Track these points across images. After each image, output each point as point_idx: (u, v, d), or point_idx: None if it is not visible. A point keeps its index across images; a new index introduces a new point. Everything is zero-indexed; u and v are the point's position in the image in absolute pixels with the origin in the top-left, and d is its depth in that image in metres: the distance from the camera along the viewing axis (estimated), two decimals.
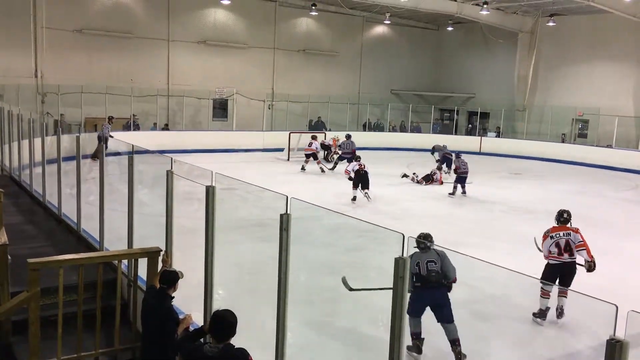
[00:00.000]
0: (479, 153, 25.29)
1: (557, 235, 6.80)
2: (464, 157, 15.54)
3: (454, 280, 5.68)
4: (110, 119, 18.67)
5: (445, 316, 5.49)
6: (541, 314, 6.49)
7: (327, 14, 27.15)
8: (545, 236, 6.91)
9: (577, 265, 6.72)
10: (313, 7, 25.23)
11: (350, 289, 5.80)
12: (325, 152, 20.80)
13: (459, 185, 14.85)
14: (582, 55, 25.22)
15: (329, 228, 10.53)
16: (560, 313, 6.39)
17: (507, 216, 13.12)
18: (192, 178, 5.44)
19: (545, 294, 6.49)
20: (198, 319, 4.76)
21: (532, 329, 6.30)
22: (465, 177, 15.02)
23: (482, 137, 26.64)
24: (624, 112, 23.43)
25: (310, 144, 18.89)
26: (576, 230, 6.88)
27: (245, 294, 6.91)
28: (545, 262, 6.80)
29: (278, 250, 3.71)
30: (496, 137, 26.91)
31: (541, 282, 6.64)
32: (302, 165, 18.41)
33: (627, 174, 20.67)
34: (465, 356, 5.43)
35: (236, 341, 3.78)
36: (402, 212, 12.91)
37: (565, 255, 6.72)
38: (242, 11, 25.24)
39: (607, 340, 1.74)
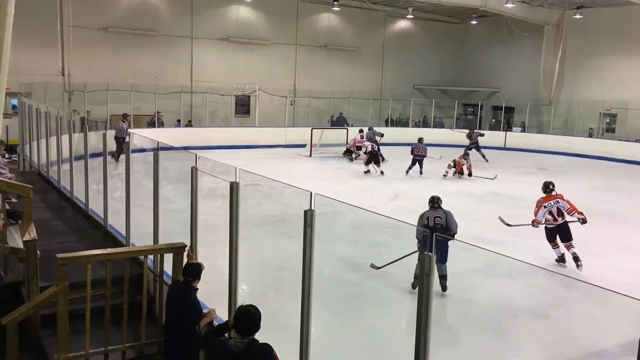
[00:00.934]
0: (504, 148, 24.97)
1: (549, 205, 8.42)
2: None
3: (455, 233, 7.19)
4: (125, 116, 18.37)
5: (440, 257, 6.68)
6: (560, 259, 8.32)
7: (349, 9, 27.05)
8: (538, 206, 8.53)
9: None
10: (335, 3, 25.17)
11: (378, 268, 6.87)
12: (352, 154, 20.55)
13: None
14: (609, 48, 24.70)
15: (352, 224, 10.50)
16: (576, 259, 7.92)
17: (532, 212, 12.90)
18: (216, 174, 5.47)
19: (554, 246, 8.38)
20: (221, 314, 4.80)
21: (560, 327, 6.21)
22: (420, 160, 17.03)
23: (507, 132, 26.29)
24: None
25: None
26: (561, 197, 8.54)
27: (268, 290, 6.94)
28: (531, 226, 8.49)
29: (301, 246, 3.71)
30: (521, 132, 26.53)
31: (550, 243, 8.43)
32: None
33: None
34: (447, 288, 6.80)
35: (260, 336, 3.80)
36: (426, 207, 12.79)
37: (559, 219, 8.37)
38: (264, 7, 25.30)
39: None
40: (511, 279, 6.38)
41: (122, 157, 6.64)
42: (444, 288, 6.81)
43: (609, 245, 10.09)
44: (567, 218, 8.38)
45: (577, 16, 24.76)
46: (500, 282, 7.30)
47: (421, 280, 2.70)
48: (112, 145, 9.05)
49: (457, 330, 6.31)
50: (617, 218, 12.50)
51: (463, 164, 16.69)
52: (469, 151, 17.77)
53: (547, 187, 8.73)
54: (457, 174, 16.65)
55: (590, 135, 25.09)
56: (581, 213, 8.34)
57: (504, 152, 24.42)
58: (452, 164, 16.71)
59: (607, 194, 15.51)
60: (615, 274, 7.48)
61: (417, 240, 6.52)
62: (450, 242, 6.84)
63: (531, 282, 6.23)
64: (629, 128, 23.90)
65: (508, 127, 27.11)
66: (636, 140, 22.98)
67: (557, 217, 8.33)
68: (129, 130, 16.55)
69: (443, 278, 6.83)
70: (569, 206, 8.39)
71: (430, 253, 2.65)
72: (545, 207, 8.39)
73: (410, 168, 16.99)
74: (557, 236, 8.33)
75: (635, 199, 15.00)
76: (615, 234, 11.08)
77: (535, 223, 8.49)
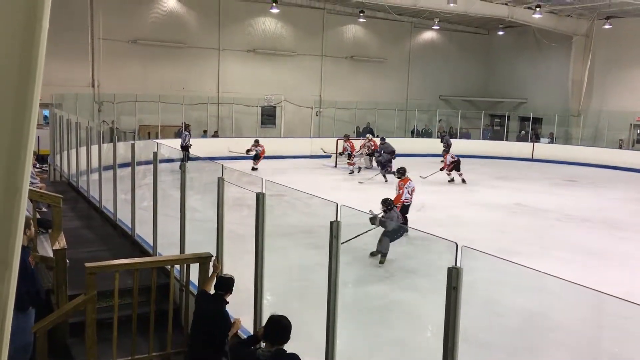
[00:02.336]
0: (532, 160, 24.65)
1: (408, 185, 11.06)
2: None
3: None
4: (187, 126, 20.42)
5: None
6: None
7: (375, 21, 27.10)
8: (401, 187, 11.03)
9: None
10: (361, 14, 25.24)
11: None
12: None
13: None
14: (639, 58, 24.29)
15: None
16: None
17: (562, 224, 12.70)
18: (242, 185, 5.52)
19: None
20: (245, 324, 4.80)
21: (589, 343, 6.07)
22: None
23: (535, 143, 25.95)
24: None
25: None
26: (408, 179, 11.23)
27: (293, 300, 6.92)
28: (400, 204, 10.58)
29: (326, 256, 3.70)
30: (549, 143, 26.16)
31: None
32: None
33: None
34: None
35: (285, 347, 3.79)
36: (451, 219, 12.68)
37: (413, 195, 11.23)
38: (290, 19, 25.50)
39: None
40: (540, 293, 6.26)
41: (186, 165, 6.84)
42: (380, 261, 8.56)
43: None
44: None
45: (607, 26, 24.38)
46: (529, 295, 7.17)
47: (448, 293, 2.66)
48: (140, 156, 9.19)
49: (485, 345, 6.22)
50: None
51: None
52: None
53: (403, 171, 11.50)
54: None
55: (620, 147, 24.59)
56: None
57: (532, 163, 24.10)
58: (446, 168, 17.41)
59: (638, 206, 15.18)
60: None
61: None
62: (479, 255, 6.70)
63: (561, 296, 6.10)
64: None
65: (536, 138, 26.76)
66: None
67: (412, 194, 11.14)
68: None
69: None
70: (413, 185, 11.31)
71: (457, 266, 2.62)
72: (406, 187, 10.97)
73: (452, 178, 17.57)
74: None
75: None
76: None
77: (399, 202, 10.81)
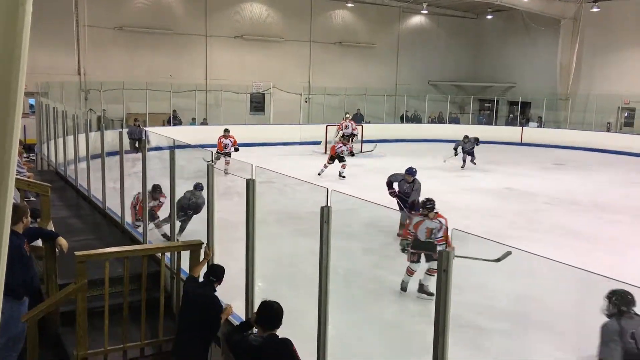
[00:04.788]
0: (521, 144, 24.77)
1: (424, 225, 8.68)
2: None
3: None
4: (136, 121, 18.51)
5: None
6: None
7: (363, 5, 26.96)
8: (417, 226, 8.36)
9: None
10: None
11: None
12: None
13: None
14: (627, 41, 24.33)
15: (368, 221, 10.48)
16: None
17: (551, 208, 12.80)
18: (231, 172, 5.51)
19: None
20: (237, 311, 4.81)
21: (579, 325, 6.13)
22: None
23: (524, 127, 26.05)
24: None
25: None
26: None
27: (284, 287, 6.93)
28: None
29: (317, 243, 3.70)
30: (538, 127, 26.28)
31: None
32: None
33: None
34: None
35: (278, 332, 3.81)
36: (443, 204, 12.70)
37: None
38: (278, 5, 25.30)
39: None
40: (532, 276, 6.30)
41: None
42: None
43: (630, 241, 9.96)
44: None
45: (595, 9, 24.42)
46: (520, 279, 7.23)
47: (439, 276, 2.68)
48: (127, 144, 9.16)
49: (477, 327, 6.28)
50: (637, 213, 12.33)
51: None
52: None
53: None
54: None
55: (608, 130, 24.76)
56: None
57: (520, 147, 24.22)
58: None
59: (626, 189, 15.32)
60: (637, 270, 7.37)
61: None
62: (470, 238, 6.77)
63: (554, 278, 6.15)
64: None
65: (525, 122, 26.87)
66: None
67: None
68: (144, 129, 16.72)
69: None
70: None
71: (447, 249, 2.63)
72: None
73: (464, 162, 17.68)
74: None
75: None
76: (637, 230, 10.93)
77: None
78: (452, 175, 16.71)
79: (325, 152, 20.75)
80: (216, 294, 4.60)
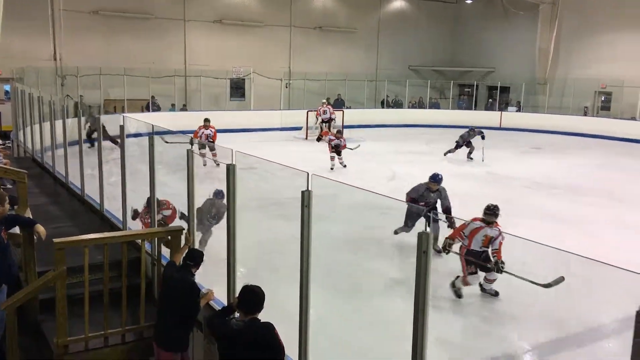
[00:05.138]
0: (500, 128, 24.97)
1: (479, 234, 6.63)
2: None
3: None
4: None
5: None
6: None
7: None
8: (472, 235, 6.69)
9: None
10: None
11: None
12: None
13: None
14: (605, 25, 24.55)
15: (349, 205, 10.51)
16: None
17: (530, 192, 12.97)
18: (212, 157, 5.48)
19: None
20: (219, 296, 4.81)
21: (559, 303, 6.25)
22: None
23: (503, 112, 26.26)
24: None
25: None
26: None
27: (266, 272, 6.94)
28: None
29: (299, 228, 3.71)
30: (517, 111, 26.50)
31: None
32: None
33: None
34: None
35: (260, 317, 3.82)
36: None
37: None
38: None
39: (637, 312, 1.71)
40: (511, 256, 6.40)
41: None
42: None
43: (604, 224, 10.14)
44: None
45: None
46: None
47: (419, 258, 2.70)
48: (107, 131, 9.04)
49: (457, 311, 6.37)
50: (614, 196, 12.55)
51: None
52: None
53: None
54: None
55: (585, 114, 25.07)
56: None
57: (500, 132, 24.41)
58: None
59: (603, 172, 15.57)
60: (610, 252, 7.51)
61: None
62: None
63: (529, 256, 6.25)
64: (624, 106, 23.87)
65: (504, 107, 27.07)
66: (631, 118, 22.98)
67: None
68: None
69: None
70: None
71: (426, 231, 2.65)
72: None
73: (470, 153, 16.56)
74: None
75: (631, 176, 15.06)
76: (611, 212, 11.13)
77: None
78: (432, 160, 16.78)
79: (307, 138, 20.77)
80: (197, 279, 4.60)
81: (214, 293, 4.73)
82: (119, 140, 7.51)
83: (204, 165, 11.58)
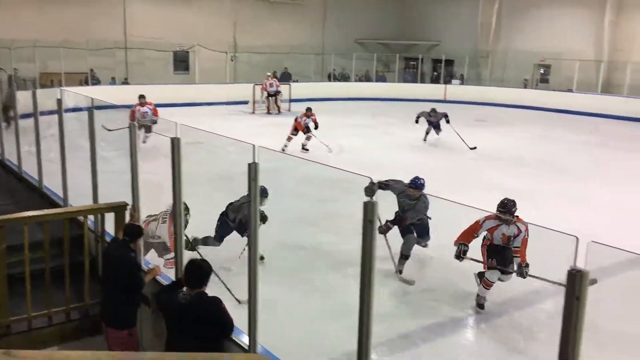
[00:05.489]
0: (444, 101, 25.40)
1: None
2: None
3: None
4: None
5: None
6: None
7: None
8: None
9: None
10: None
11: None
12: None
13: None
14: (545, 0, 25.22)
15: (299, 179, 10.54)
16: None
17: (475, 163, 13.34)
18: (156, 131, 5.36)
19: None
20: (169, 272, 4.77)
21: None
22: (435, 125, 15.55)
23: (447, 85, 26.70)
24: (584, 57, 23.71)
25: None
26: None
27: (216, 248, 6.91)
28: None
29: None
30: (460, 84, 27.01)
31: None
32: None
33: (587, 118, 21.13)
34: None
35: (209, 293, 3.81)
36: (372, 162, 12.97)
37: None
38: None
39: (568, 271, 1.79)
40: (457, 225, 6.56)
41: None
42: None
43: (547, 195, 10.50)
44: None
45: None
46: (445, 228, 7.53)
47: (365, 227, 2.74)
48: (43, 105, 8.65)
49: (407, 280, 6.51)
50: (553, 166, 13.05)
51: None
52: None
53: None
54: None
55: (525, 86, 25.79)
56: None
57: (444, 104, 24.80)
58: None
59: (543, 143, 16.14)
60: (553, 223, 7.82)
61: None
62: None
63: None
64: (562, 78, 24.68)
65: (448, 80, 27.52)
66: (568, 90, 23.80)
67: None
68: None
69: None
70: None
71: (372, 200, 2.68)
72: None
73: (426, 133, 15.70)
74: None
75: (572, 149, 15.62)
76: (551, 182, 11.58)
77: None
78: (378, 133, 17.00)
79: (254, 112, 20.57)
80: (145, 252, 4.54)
81: (160, 269, 4.68)
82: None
83: (144, 142, 11.31)
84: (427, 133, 15.72)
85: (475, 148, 14.54)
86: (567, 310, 1.80)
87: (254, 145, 3.50)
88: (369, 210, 2.66)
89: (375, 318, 2.86)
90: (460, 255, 5.74)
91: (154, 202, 5.86)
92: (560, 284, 4.97)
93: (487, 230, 5.82)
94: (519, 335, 5.53)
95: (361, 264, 2.83)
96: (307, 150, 13.85)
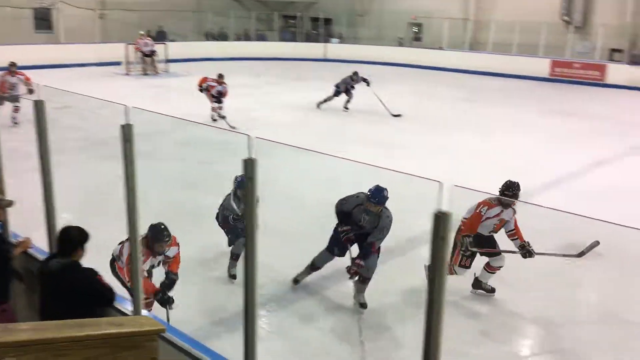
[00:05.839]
0: (324, 60, 25.70)
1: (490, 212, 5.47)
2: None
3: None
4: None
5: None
6: None
7: None
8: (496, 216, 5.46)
9: None
10: None
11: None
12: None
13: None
14: None
15: (179, 142, 10.28)
16: None
17: (355, 120, 13.75)
18: (16, 94, 4.93)
19: None
20: (39, 243, 4.52)
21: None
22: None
23: (326, 44, 26.95)
24: (453, 15, 24.92)
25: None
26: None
27: (94, 216, 6.58)
28: None
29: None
30: (339, 43, 27.38)
31: None
32: None
33: (457, 74, 22.41)
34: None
35: (90, 262, 3.67)
36: (254, 121, 12.94)
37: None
38: None
39: (434, 213, 1.92)
40: (336, 181, 6.76)
41: None
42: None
43: (423, 147, 11.10)
44: None
45: None
46: (325, 184, 7.72)
47: (246, 185, 2.75)
48: None
49: (283, 233, 6.62)
50: (427, 120, 13.80)
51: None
52: None
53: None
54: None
55: (401, 45, 26.71)
56: None
57: (325, 63, 25.13)
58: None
59: (417, 98, 16.92)
60: (422, 171, 8.30)
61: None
62: (275, 146, 6.83)
63: (357, 181, 6.67)
64: (432, 37, 25.81)
65: (327, 39, 27.76)
66: (439, 48, 24.98)
67: None
68: None
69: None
70: None
71: (252, 157, 2.69)
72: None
73: (347, 102, 14.68)
74: None
75: (445, 103, 16.53)
76: (424, 134, 12.25)
77: None
78: (260, 93, 16.91)
79: (128, 74, 19.54)
80: (18, 224, 4.26)
81: (31, 241, 4.42)
82: None
83: (16, 123, 10.38)
84: (347, 101, 14.65)
85: (399, 115, 13.90)
86: (434, 249, 1.95)
87: (125, 106, 3.36)
88: (249, 167, 2.66)
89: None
90: (468, 247, 5.31)
91: (21, 171, 5.46)
92: (570, 256, 5.10)
93: (489, 218, 5.32)
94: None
95: (246, 219, 2.85)
96: (216, 120, 12.45)
